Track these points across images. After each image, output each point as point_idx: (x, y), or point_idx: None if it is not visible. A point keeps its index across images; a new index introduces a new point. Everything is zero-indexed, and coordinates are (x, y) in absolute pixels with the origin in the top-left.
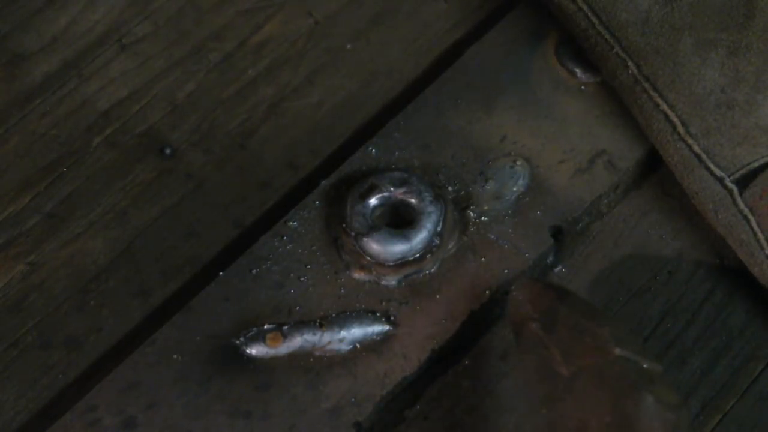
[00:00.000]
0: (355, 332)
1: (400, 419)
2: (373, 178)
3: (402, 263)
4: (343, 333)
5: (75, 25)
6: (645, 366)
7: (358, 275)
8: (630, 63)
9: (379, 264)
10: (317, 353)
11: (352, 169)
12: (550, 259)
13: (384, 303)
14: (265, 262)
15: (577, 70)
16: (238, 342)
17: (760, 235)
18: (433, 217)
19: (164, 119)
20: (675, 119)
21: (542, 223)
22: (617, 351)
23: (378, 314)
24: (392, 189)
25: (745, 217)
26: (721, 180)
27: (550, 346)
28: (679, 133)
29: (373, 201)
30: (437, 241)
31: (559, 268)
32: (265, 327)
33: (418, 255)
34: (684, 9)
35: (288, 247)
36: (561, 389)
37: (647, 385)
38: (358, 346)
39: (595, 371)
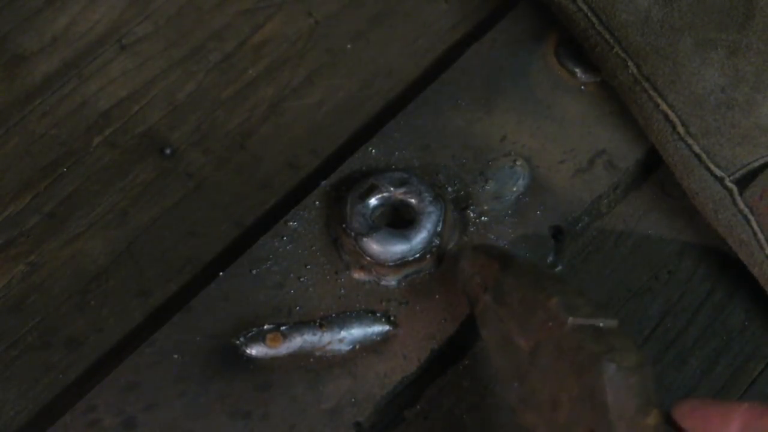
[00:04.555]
0: (355, 332)
1: (400, 419)
2: (373, 179)
3: (402, 263)
4: (343, 333)
5: (75, 25)
6: (601, 325)
7: (358, 275)
8: (630, 63)
9: (379, 264)
10: (317, 353)
11: (352, 169)
12: (550, 259)
13: (384, 303)
14: (265, 262)
15: (577, 70)
16: (238, 342)
17: (760, 235)
18: (433, 217)
19: (164, 119)
20: (675, 119)
21: (542, 223)
22: (570, 321)
23: (378, 314)
24: (392, 189)
25: (745, 217)
26: (720, 180)
27: (504, 318)
28: (678, 133)
29: (373, 201)
30: (437, 241)
31: (559, 268)
32: (265, 327)
33: (418, 255)
34: (684, 9)
35: (288, 247)
36: (526, 363)
37: (606, 351)
38: (358, 346)
39: (553, 344)
